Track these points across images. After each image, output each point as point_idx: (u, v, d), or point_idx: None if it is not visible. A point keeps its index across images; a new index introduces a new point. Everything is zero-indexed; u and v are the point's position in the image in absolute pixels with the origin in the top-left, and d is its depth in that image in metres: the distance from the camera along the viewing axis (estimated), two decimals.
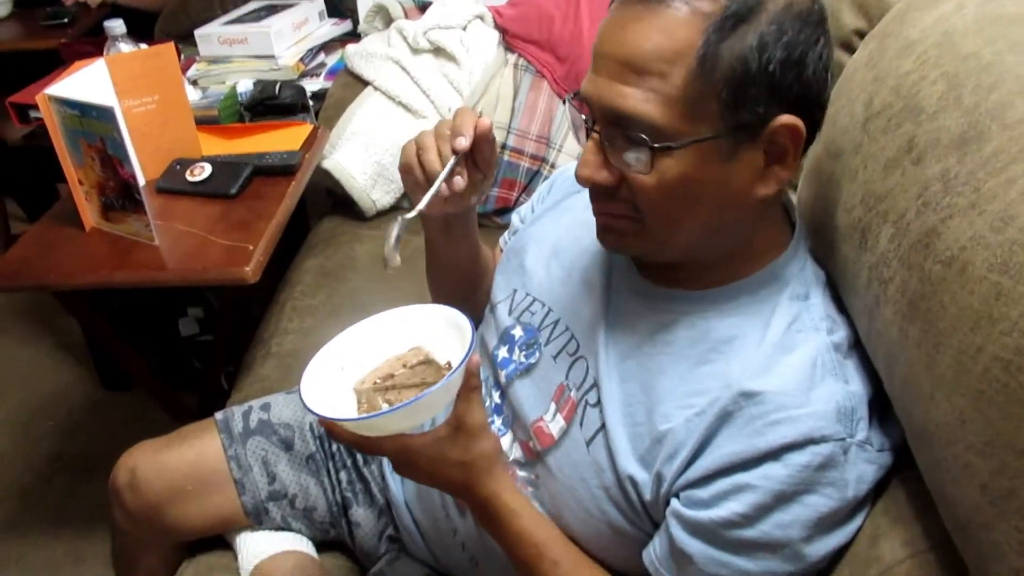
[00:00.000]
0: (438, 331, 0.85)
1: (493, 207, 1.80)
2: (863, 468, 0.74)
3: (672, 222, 0.76)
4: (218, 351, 1.66)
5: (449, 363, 0.83)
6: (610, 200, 0.78)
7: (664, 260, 0.83)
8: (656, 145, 0.71)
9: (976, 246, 0.61)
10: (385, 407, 0.80)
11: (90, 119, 1.29)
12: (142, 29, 2.42)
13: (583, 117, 0.79)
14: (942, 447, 0.62)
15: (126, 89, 1.46)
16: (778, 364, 0.76)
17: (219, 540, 1.19)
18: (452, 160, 0.84)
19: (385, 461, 1.15)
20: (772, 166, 0.74)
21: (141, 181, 1.54)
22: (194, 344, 2.14)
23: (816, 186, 0.90)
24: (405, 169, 0.89)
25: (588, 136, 0.77)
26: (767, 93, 0.70)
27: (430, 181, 0.85)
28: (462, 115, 0.86)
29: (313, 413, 0.76)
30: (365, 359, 0.86)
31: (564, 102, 0.85)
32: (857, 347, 0.80)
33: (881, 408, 0.77)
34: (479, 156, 0.87)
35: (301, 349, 1.46)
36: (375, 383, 0.84)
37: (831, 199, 0.85)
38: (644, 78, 0.70)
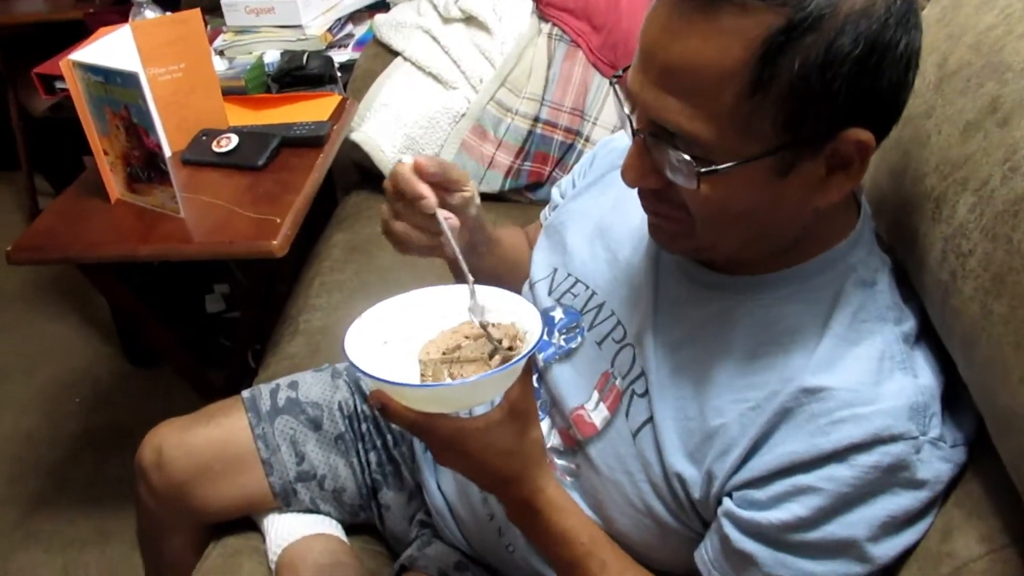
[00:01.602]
0: (489, 307, 0.78)
1: (526, 182, 1.75)
2: (938, 467, 0.68)
3: (722, 230, 0.71)
4: (245, 328, 1.64)
5: (512, 343, 0.76)
6: (659, 201, 0.73)
7: (718, 258, 0.77)
8: (701, 170, 0.64)
9: None
10: (448, 380, 0.74)
11: (114, 86, 1.25)
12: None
13: (627, 113, 0.72)
14: None
15: (151, 57, 1.42)
16: (843, 357, 0.70)
17: (247, 521, 1.16)
18: (440, 215, 0.77)
19: (416, 443, 1.11)
20: (836, 174, 0.67)
21: (167, 152, 1.51)
22: (221, 321, 2.11)
23: (879, 156, 0.84)
24: (398, 248, 0.83)
25: (632, 137, 0.71)
26: (829, 111, 0.62)
27: (438, 247, 0.80)
28: (398, 180, 0.78)
29: (372, 378, 0.69)
30: (413, 332, 0.79)
31: (611, 83, 0.78)
32: (925, 337, 0.74)
33: (951, 401, 0.72)
34: (447, 181, 0.80)
35: (329, 326, 1.43)
36: (443, 353, 0.77)
37: (897, 168, 0.79)
38: (693, 91, 0.63)
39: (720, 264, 0.79)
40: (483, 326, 0.76)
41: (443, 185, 0.79)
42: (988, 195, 0.64)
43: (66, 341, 2.33)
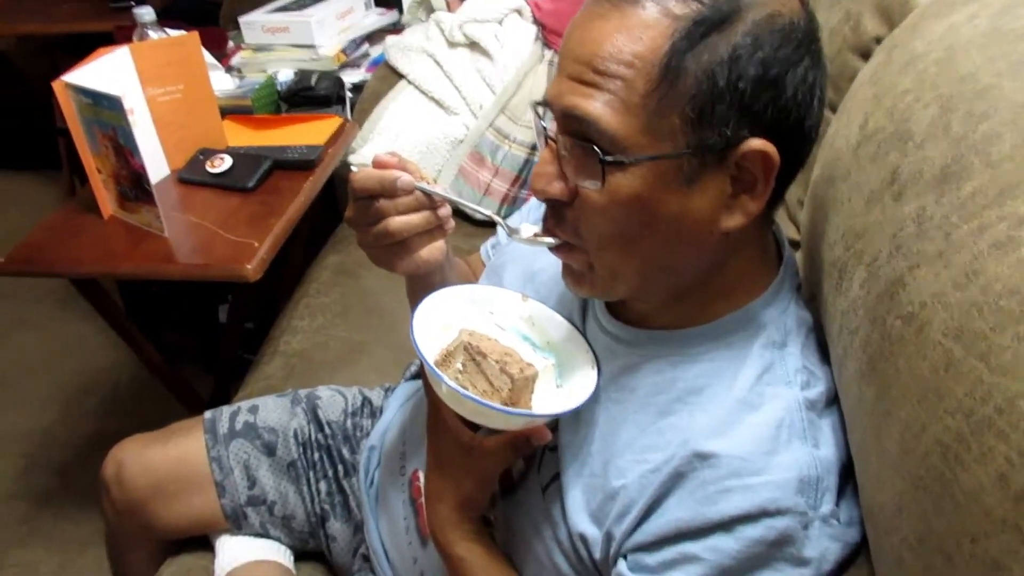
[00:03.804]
0: (564, 367, 0.80)
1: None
2: (826, 545, 0.65)
3: (616, 253, 0.69)
4: (230, 340, 1.66)
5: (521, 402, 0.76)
6: (558, 221, 0.71)
7: (618, 299, 0.76)
8: (608, 158, 0.63)
9: (936, 304, 0.52)
10: (456, 367, 0.76)
11: (102, 108, 1.29)
12: (210, 14, 2.46)
13: (544, 125, 0.73)
14: (883, 534, 0.54)
15: (150, 78, 1.47)
16: (740, 423, 0.68)
17: (205, 540, 1.18)
18: (429, 188, 0.77)
19: (362, 479, 1.11)
20: (740, 195, 0.66)
21: (165, 171, 1.55)
22: (245, 333, 2.15)
23: (810, 213, 0.82)
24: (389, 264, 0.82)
25: (546, 144, 0.70)
26: (736, 113, 0.62)
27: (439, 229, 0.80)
28: (366, 179, 0.77)
29: (421, 357, 0.71)
30: (495, 320, 0.83)
31: (532, 107, 0.78)
32: (838, 402, 0.71)
33: None
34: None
35: (306, 349, 1.44)
36: (475, 347, 0.77)
37: (819, 230, 0.76)
38: (604, 79, 0.63)
39: (637, 315, 0.77)
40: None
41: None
42: (875, 272, 0.61)
43: (92, 341, 2.40)
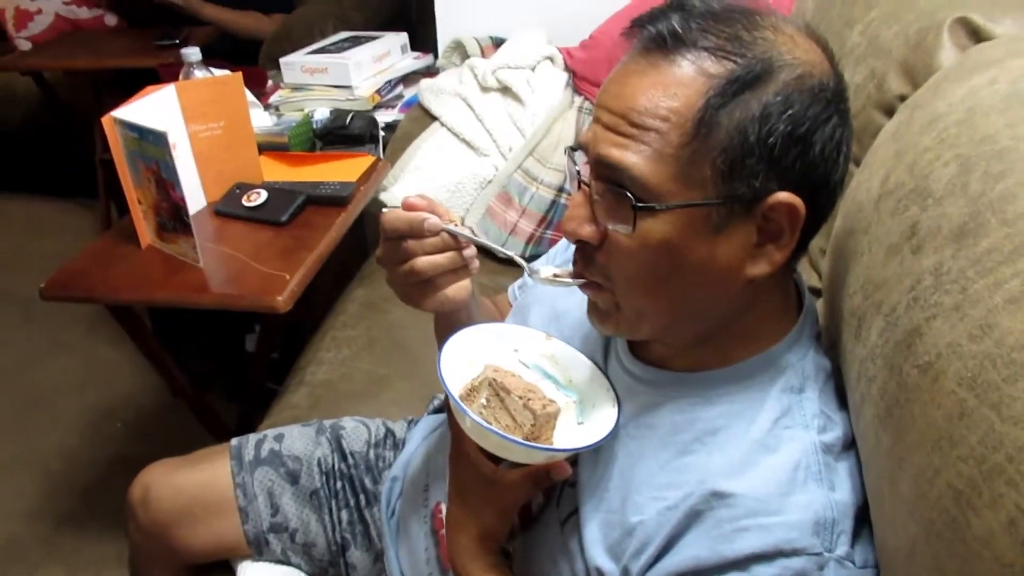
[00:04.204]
0: (587, 386, 0.83)
1: (547, 249, 1.76)
2: None
3: (644, 296, 0.71)
4: (257, 370, 1.69)
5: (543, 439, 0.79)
6: (588, 264, 0.74)
7: (642, 339, 0.78)
8: (639, 204, 0.66)
9: (951, 354, 0.54)
10: (481, 402, 0.78)
11: (147, 143, 1.34)
12: (250, 53, 2.54)
13: (577, 169, 0.76)
14: None
15: (193, 115, 1.52)
16: (757, 464, 0.69)
17: (226, 565, 1.20)
18: (451, 232, 0.80)
19: (385, 505, 1.13)
20: (766, 244, 0.69)
21: (202, 203, 1.60)
22: (272, 364, 2.18)
23: (832, 262, 0.84)
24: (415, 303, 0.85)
25: (579, 188, 0.74)
26: (765, 167, 0.65)
27: (464, 269, 0.83)
28: (395, 220, 0.80)
29: (447, 391, 0.75)
30: (518, 358, 0.85)
31: (566, 152, 0.81)
32: (855, 447, 0.72)
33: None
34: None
35: (333, 380, 1.47)
36: (499, 383, 0.78)
37: (840, 280, 0.79)
38: (640, 132, 0.66)
39: (658, 357, 0.80)
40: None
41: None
42: (894, 322, 0.63)
43: (118, 367, 2.45)
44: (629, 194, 0.66)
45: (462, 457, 0.81)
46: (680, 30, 0.66)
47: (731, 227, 0.67)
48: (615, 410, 0.79)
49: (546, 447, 0.76)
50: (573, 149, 0.78)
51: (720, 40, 0.66)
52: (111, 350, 2.52)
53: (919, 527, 0.52)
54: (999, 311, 0.52)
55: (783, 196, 0.66)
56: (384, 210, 0.82)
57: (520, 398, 0.76)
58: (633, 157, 0.66)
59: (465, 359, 0.82)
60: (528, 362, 0.86)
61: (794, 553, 0.65)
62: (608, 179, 0.69)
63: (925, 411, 0.54)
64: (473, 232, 0.83)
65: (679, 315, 0.73)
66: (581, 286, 0.76)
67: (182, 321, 2.26)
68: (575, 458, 0.81)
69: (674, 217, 0.67)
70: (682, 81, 0.65)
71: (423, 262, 0.80)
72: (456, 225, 0.81)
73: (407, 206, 0.81)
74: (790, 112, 0.65)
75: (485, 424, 0.73)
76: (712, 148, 0.65)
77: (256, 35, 2.66)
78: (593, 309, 0.78)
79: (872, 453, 0.62)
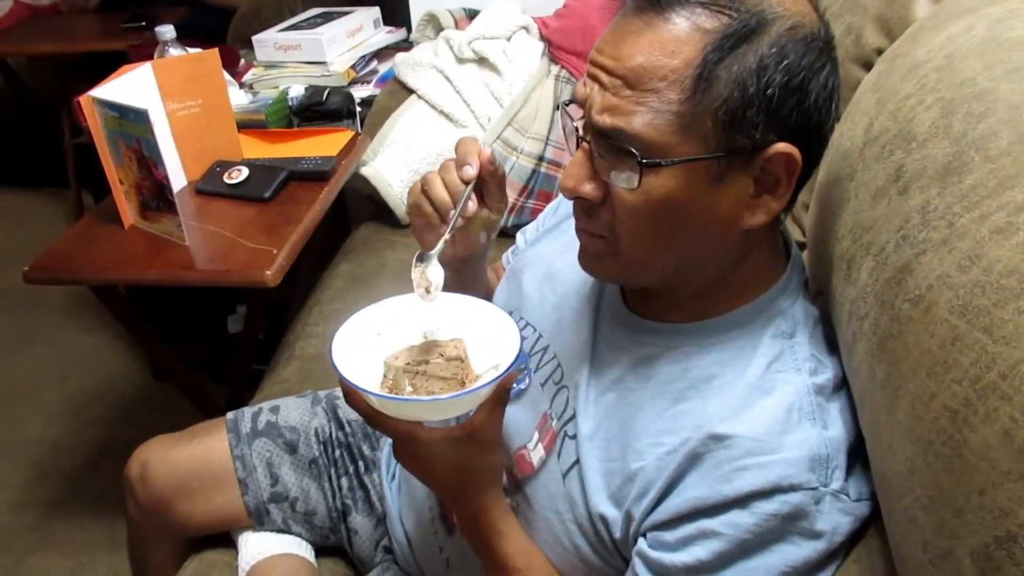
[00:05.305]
0: (484, 331, 0.82)
1: (528, 219, 1.77)
2: (837, 519, 0.69)
3: (649, 248, 0.73)
4: (244, 349, 1.70)
5: (477, 376, 0.80)
6: (590, 218, 0.76)
7: (641, 286, 0.80)
8: (645, 161, 0.68)
9: (942, 286, 0.57)
10: (409, 390, 0.78)
11: (128, 121, 1.33)
12: (220, 32, 2.51)
13: (575, 125, 0.76)
14: (896, 498, 0.58)
15: (171, 93, 1.51)
16: (752, 406, 0.72)
17: (227, 537, 1.21)
18: (465, 190, 0.82)
19: (384, 471, 1.15)
20: (763, 195, 0.71)
21: (183, 182, 1.59)
22: (258, 343, 2.18)
23: (817, 212, 0.86)
24: (414, 209, 0.88)
25: (578, 145, 0.75)
26: (764, 118, 0.67)
27: (442, 216, 0.85)
28: (464, 144, 0.85)
29: (338, 373, 0.74)
30: (405, 333, 0.83)
31: (559, 107, 0.82)
32: (845, 388, 0.76)
33: (866, 454, 0.73)
34: (486, 191, 0.86)
35: (322, 353, 1.48)
36: (407, 363, 0.80)
37: (827, 227, 0.81)
38: (638, 93, 0.67)
39: (652, 309, 0.82)
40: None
41: (486, 191, 0.87)
42: (883, 261, 0.66)
43: (98, 352, 2.44)
44: (634, 151, 0.68)
45: (422, 448, 0.79)
46: None
47: (730, 178, 0.69)
48: (512, 323, 0.80)
49: (487, 382, 0.75)
50: (567, 103, 0.79)
51: None
52: (89, 337, 2.51)
53: (916, 448, 0.54)
54: (986, 241, 0.55)
55: (781, 147, 0.68)
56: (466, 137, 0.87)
57: (437, 360, 0.78)
58: (634, 119, 0.67)
59: (361, 364, 0.79)
60: (411, 330, 0.85)
61: (791, 489, 0.68)
62: (609, 137, 0.70)
63: (918, 341, 0.57)
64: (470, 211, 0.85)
65: (681, 265, 0.75)
66: (579, 231, 0.78)
67: (162, 304, 2.25)
68: (574, 413, 0.83)
69: (677, 171, 0.68)
70: (679, 38, 0.66)
71: (431, 177, 0.86)
72: (472, 200, 0.84)
73: (482, 155, 0.85)
74: (786, 63, 0.66)
75: (441, 397, 0.75)
76: (712, 102, 0.66)
77: (231, 5, 2.62)
78: (586, 254, 0.79)
79: (866, 387, 0.65)
